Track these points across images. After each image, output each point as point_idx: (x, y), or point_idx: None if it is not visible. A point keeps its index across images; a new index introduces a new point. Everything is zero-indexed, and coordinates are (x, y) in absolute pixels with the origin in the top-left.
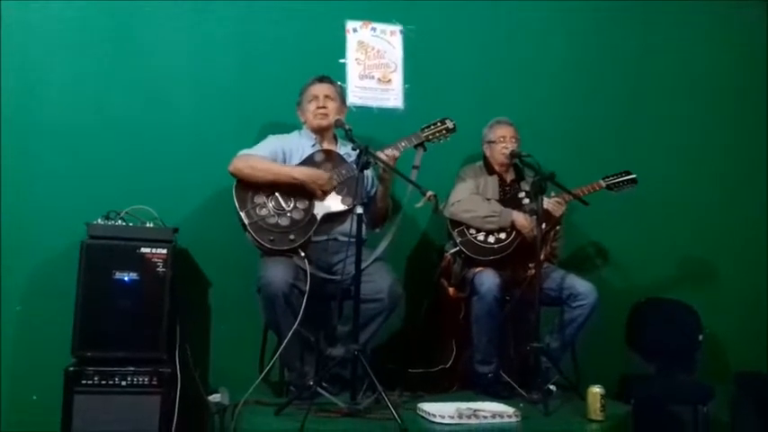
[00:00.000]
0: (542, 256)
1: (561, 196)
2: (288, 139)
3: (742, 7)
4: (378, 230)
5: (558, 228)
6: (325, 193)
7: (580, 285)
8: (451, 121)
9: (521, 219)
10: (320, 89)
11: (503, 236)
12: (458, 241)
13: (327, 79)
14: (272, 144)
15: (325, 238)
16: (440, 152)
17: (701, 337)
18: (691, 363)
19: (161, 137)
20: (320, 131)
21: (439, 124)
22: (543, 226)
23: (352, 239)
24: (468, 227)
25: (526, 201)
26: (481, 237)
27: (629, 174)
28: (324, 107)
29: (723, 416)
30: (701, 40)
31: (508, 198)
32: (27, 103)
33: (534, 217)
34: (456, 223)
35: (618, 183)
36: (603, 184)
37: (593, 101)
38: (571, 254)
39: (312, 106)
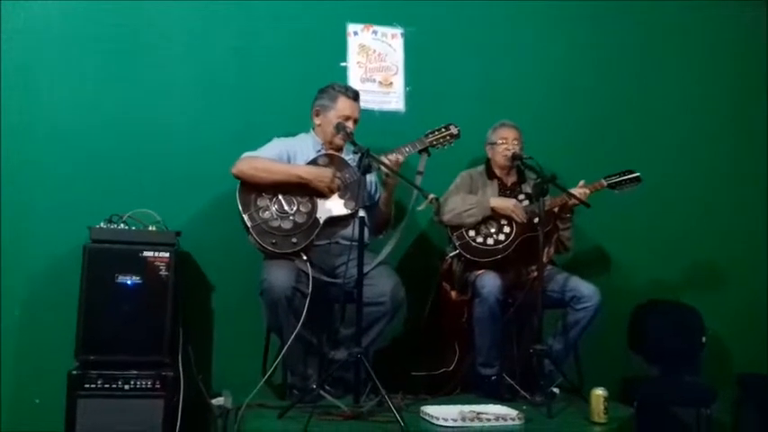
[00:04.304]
0: (552, 251)
1: (592, 186)
2: (293, 141)
3: (742, 7)
4: (381, 237)
5: (568, 215)
6: (331, 191)
7: (584, 288)
8: (456, 126)
9: (498, 202)
10: (354, 110)
11: (501, 237)
12: (457, 244)
13: (358, 96)
14: (276, 147)
15: (327, 241)
16: (441, 155)
17: (703, 339)
18: (694, 365)
19: (163, 140)
20: (335, 148)
21: (443, 130)
22: (556, 210)
23: (355, 243)
24: (468, 229)
25: (525, 203)
26: (480, 239)
27: (632, 172)
28: (352, 131)
29: (726, 418)
30: (701, 41)
31: None
32: (28, 106)
33: (525, 201)
34: (455, 226)
35: (620, 182)
36: (605, 183)
37: (595, 102)
38: (573, 256)
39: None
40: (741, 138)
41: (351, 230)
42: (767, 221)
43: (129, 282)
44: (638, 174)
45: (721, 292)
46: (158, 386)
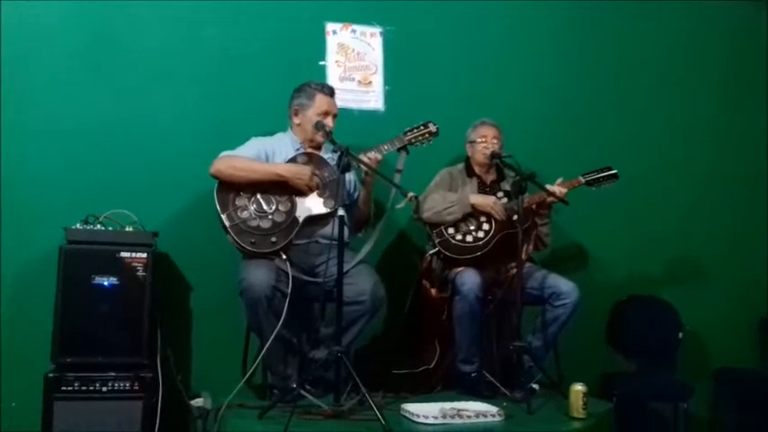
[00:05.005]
0: (531, 248)
1: (569, 183)
2: (271, 141)
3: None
4: (360, 234)
5: (546, 211)
6: (310, 189)
7: (562, 284)
8: (434, 124)
9: (478, 199)
10: (332, 105)
11: (481, 234)
12: (436, 242)
13: (334, 92)
14: (254, 146)
15: (306, 240)
16: (421, 153)
17: (680, 335)
18: (671, 360)
19: (140, 140)
20: (315, 146)
21: (422, 128)
22: (534, 207)
23: (334, 242)
24: (447, 227)
25: (504, 200)
26: (459, 236)
27: (610, 169)
28: (331, 128)
29: (703, 412)
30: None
31: None
32: (4, 107)
33: (504, 198)
34: (434, 224)
35: (597, 178)
36: (583, 180)
37: (574, 100)
38: (551, 252)
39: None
40: (723, 136)
41: (330, 229)
42: (745, 218)
43: (105, 283)
44: (615, 171)
45: (698, 287)
46: (137, 388)
